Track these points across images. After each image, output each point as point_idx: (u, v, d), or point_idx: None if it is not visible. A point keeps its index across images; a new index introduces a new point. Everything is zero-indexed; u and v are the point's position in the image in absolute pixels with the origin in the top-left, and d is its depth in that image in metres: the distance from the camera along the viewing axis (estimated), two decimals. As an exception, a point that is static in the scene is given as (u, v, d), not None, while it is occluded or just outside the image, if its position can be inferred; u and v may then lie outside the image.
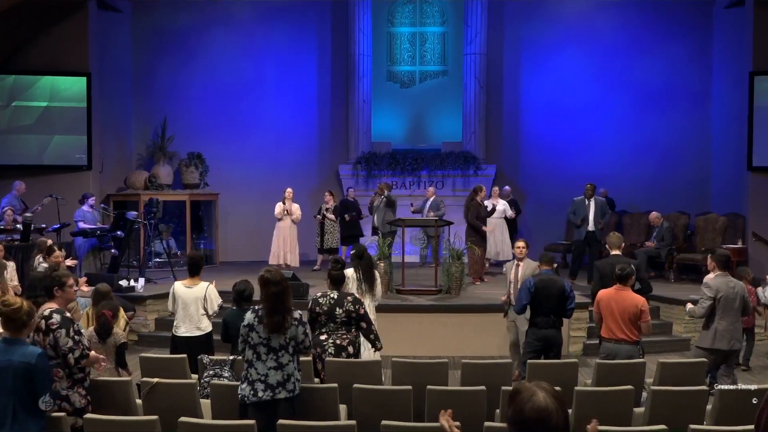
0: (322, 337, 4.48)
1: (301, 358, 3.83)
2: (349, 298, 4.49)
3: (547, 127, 11.99)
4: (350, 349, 4.50)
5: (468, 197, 8.99)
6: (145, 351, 6.76)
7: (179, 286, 5.05)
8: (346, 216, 10.15)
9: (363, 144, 11.86)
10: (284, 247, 9.33)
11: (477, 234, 8.65)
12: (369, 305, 5.82)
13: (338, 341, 4.46)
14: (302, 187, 11.53)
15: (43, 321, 3.56)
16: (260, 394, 3.50)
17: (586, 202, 8.82)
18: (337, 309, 4.48)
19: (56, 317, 3.56)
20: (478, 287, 8.58)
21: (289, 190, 9.49)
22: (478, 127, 11.86)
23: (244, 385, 3.57)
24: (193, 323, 4.98)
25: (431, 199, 10.57)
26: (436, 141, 12.24)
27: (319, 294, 4.59)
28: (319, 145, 12.20)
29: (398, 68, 12.50)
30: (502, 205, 9.92)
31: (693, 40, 11.50)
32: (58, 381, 3.55)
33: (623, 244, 5.96)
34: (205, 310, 5.02)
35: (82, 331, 3.69)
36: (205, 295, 4.99)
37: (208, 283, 5.08)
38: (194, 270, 5.05)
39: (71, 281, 3.82)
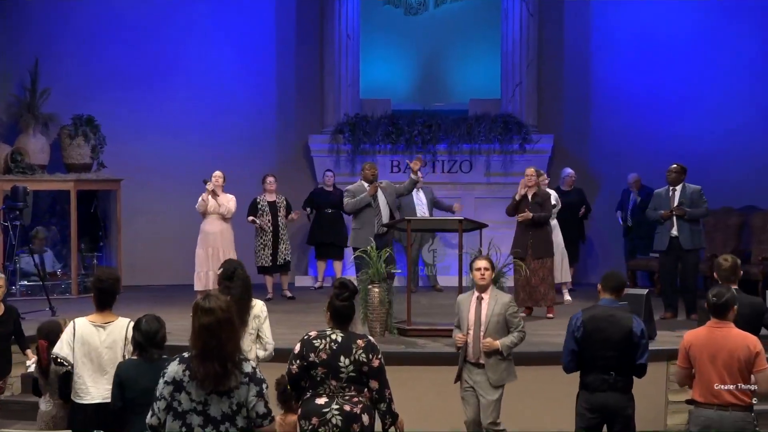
0: (320, 401, 4.50)
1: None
2: (359, 342, 4.54)
3: (632, 77, 11.90)
4: (365, 418, 4.51)
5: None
6: (7, 426, 6.67)
7: (84, 326, 5.10)
8: (328, 210, 10.44)
9: (347, 103, 11.86)
10: (215, 264, 9.24)
11: (543, 241, 8.81)
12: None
13: (346, 407, 4.47)
14: (254, 170, 11.40)
15: None
16: None
17: (670, 193, 8.87)
18: (342, 358, 4.49)
19: None
20: (530, 323, 8.44)
21: (217, 174, 9.48)
22: (526, 77, 11.80)
23: None
24: (108, 382, 4.99)
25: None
26: (461, 98, 12.18)
27: (313, 334, 4.60)
28: (278, 107, 12.15)
29: (401, -15, 12.50)
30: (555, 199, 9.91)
31: None
32: None
33: (741, 272, 5.81)
34: (125, 358, 5.07)
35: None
36: (126, 337, 5.08)
37: (129, 320, 5.15)
38: (107, 298, 5.13)
39: None
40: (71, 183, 10.84)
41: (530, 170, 9.16)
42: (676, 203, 8.73)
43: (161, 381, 3.69)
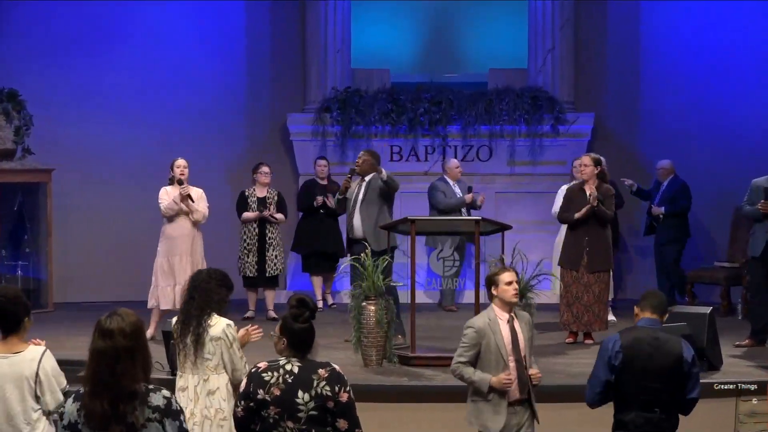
0: None
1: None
2: (321, 371, 4.59)
3: (694, 41, 11.86)
4: None
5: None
6: None
7: None
8: (321, 198, 10.65)
9: (335, 74, 11.92)
10: (184, 277, 9.10)
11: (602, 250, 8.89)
12: (198, 391, 5.85)
13: None
14: (219, 158, 11.52)
15: None
16: None
17: None
18: (301, 393, 4.51)
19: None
20: (569, 352, 8.65)
21: (180, 162, 9.26)
22: (560, 41, 11.80)
23: None
24: (16, 430, 5.06)
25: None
26: (478, 68, 12.29)
27: (262, 366, 4.61)
28: (250, 79, 12.26)
29: (403, -74, 12.52)
30: None
31: None
32: None
33: None
34: (39, 401, 5.10)
35: None
36: (37, 373, 5.08)
37: (43, 348, 5.19)
38: (10, 324, 5.11)
39: None
40: (-11, 175, 10.81)
41: (585, 159, 9.08)
42: None
43: (60, 425, 3.80)
